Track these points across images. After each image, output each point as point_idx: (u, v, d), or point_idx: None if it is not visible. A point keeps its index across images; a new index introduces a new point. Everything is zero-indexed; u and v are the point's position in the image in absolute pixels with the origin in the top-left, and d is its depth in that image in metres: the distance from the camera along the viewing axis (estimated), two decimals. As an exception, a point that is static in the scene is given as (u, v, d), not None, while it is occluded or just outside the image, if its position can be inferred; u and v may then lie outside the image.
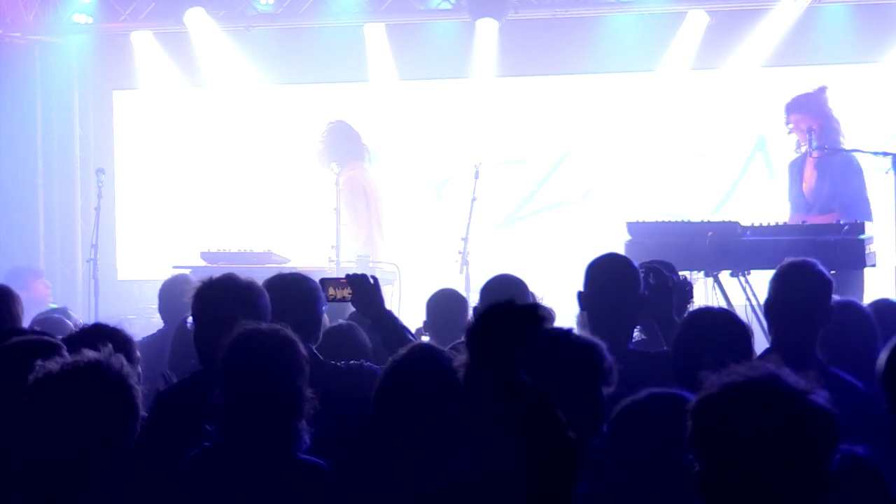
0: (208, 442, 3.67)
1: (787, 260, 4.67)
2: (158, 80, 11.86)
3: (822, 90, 8.64)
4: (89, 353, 3.35)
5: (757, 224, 7.74)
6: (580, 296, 4.61)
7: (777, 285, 4.54)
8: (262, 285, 4.57)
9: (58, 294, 11.19)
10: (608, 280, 4.54)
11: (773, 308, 4.51)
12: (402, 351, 3.58)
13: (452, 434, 3.29)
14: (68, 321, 6.67)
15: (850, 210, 8.17)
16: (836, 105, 8.65)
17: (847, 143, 8.57)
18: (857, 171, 8.44)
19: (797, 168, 8.61)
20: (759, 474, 2.33)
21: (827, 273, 4.65)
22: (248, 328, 3.73)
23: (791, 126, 8.57)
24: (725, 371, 2.43)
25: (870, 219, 8.14)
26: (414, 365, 3.48)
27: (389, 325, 4.68)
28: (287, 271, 5.11)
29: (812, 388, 2.39)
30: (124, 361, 3.37)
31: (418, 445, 3.39)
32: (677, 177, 11.22)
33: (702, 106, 11.17)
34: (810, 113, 8.48)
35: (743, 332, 4.10)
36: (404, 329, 4.70)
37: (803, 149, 8.47)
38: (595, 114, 11.40)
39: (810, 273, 4.56)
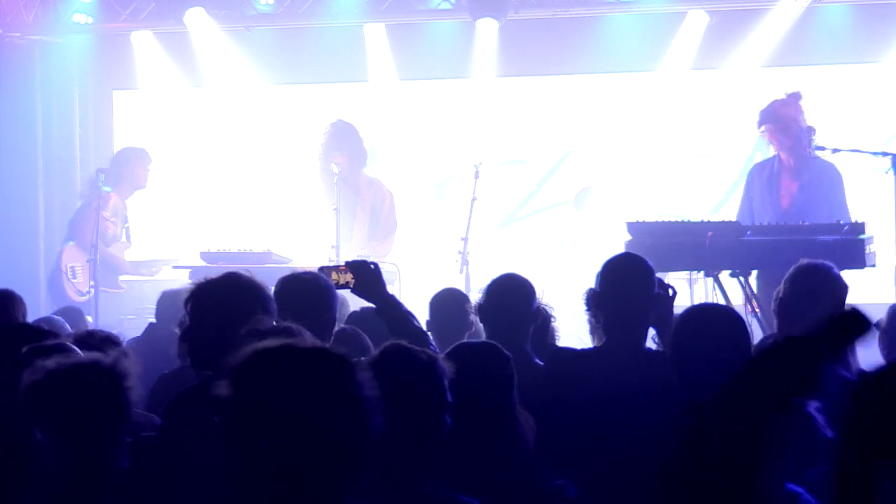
0: None
1: (805, 261, 4.68)
2: (158, 80, 11.85)
3: (797, 97, 8.70)
4: (86, 354, 3.38)
5: (757, 224, 7.74)
6: (594, 295, 4.58)
7: (793, 285, 4.55)
8: (276, 284, 4.57)
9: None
10: (624, 279, 4.51)
11: (786, 307, 4.52)
12: (374, 352, 3.47)
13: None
14: (66, 325, 6.55)
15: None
16: (818, 107, 8.77)
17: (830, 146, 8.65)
18: (840, 181, 8.53)
19: (769, 175, 8.66)
20: None
21: (842, 278, 4.67)
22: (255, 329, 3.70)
23: (763, 130, 8.65)
24: None
25: None
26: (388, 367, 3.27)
27: (394, 311, 4.64)
28: (301, 270, 5.09)
29: None
30: (123, 361, 3.40)
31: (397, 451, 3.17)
32: (678, 177, 11.21)
33: (702, 106, 11.16)
34: (781, 122, 8.53)
35: (738, 323, 4.08)
36: (409, 314, 4.65)
37: (772, 152, 8.62)
38: (595, 114, 11.39)
39: (827, 276, 4.59)
